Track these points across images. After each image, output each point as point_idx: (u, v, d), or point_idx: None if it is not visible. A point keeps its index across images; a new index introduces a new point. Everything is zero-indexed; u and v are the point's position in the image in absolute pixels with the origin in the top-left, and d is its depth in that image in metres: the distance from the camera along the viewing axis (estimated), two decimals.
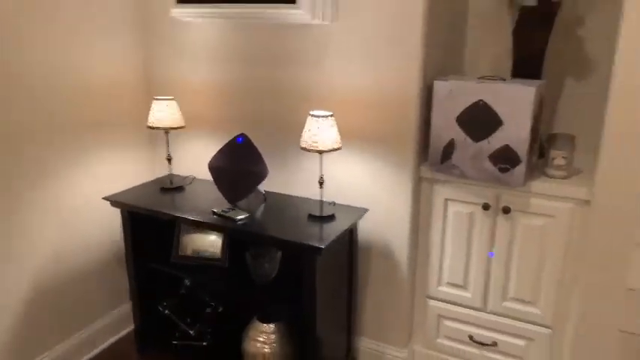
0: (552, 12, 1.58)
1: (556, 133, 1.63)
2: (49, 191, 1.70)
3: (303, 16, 1.54)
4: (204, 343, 1.91)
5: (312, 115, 1.51)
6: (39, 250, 1.69)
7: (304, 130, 1.53)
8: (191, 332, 1.90)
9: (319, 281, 1.54)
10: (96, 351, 1.96)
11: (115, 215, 1.84)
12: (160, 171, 2.03)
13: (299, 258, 1.53)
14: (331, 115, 1.52)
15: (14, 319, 1.65)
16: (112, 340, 2.02)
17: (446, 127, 1.54)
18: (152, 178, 2.00)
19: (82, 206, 1.82)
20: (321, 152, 1.52)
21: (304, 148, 1.53)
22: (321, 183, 1.60)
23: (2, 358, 1.63)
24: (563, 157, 1.52)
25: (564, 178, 1.52)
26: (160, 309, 1.92)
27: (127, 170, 1.97)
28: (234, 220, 1.59)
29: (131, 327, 2.00)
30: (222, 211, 1.64)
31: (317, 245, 1.44)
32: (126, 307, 2.04)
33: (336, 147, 1.53)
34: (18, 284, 1.65)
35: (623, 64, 1.27)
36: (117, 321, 2.03)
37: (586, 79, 1.67)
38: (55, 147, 1.69)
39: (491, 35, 1.75)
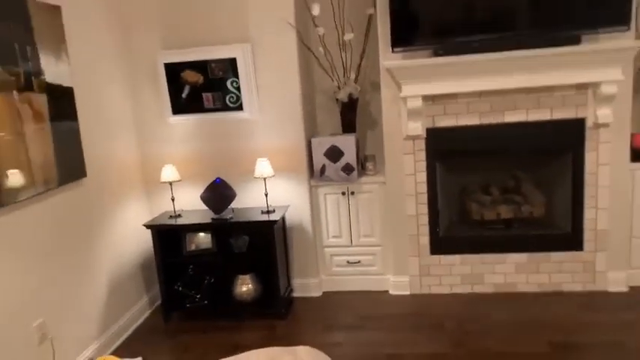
0: (355, 102, 3.45)
1: (367, 154, 3.48)
2: (115, 223, 2.99)
3: (245, 115, 3.17)
4: (206, 302, 3.28)
5: (259, 160, 3.11)
6: (107, 259, 2.96)
7: (255, 168, 3.12)
8: (197, 297, 3.27)
9: (275, 245, 3.10)
10: (145, 316, 3.21)
11: (143, 235, 3.17)
12: (156, 210, 3.40)
13: (260, 235, 3.09)
14: (266, 159, 3.14)
15: (102, 296, 2.88)
16: (150, 311, 3.28)
17: (319, 159, 3.28)
18: (150, 217, 3.36)
19: (125, 232, 3.12)
20: (265, 178, 3.12)
21: (257, 177, 3.11)
22: (266, 195, 3.19)
23: (100, 317, 2.85)
24: (371, 165, 3.36)
25: (374, 174, 3.35)
26: (176, 287, 3.26)
27: (138, 209, 3.31)
28: (225, 219, 3.08)
29: (159, 302, 3.29)
30: (213, 219, 3.12)
31: (272, 219, 3.03)
32: (154, 290, 3.32)
33: (271, 175, 3.14)
34: (99, 276, 2.90)
35: (386, 121, 3.16)
36: (152, 298, 3.30)
37: (373, 129, 3.57)
38: (112, 202, 3.01)
39: (328, 113, 3.57)
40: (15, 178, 2.24)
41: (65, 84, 2.62)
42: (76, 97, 2.71)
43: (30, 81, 2.38)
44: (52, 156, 2.50)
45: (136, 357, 2.58)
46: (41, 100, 2.45)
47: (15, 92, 2.28)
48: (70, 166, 2.63)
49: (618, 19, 2.74)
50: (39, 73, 2.44)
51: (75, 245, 2.67)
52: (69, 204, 2.64)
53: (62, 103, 2.60)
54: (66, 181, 2.60)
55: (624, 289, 3.16)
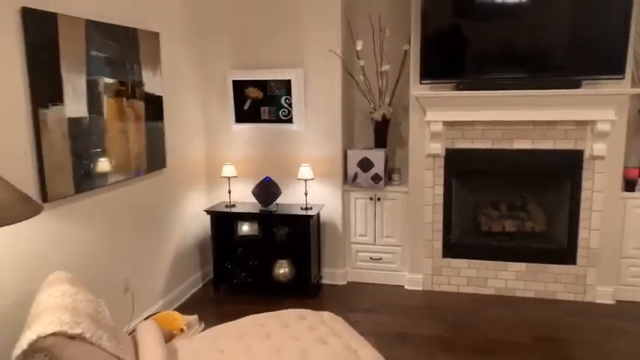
0: (387, 122, 4.03)
1: (394, 167, 4.06)
2: (183, 208, 3.69)
3: (294, 127, 3.83)
4: (249, 279, 3.93)
5: (302, 165, 3.75)
6: (175, 235, 3.66)
7: (299, 172, 3.76)
8: (242, 275, 3.92)
9: (310, 237, 3.72)
10: (198, 287, 3.89)
11: (203, 219, 3.86)
12: (214, 200, 4.09)
13: (298, 227, 3.72)
14: (308, 165, 3.77)
15: (168, 265, 3.57)
16: (202, 283, 3.96)
17: (353, 168, 3.88)
18: (209, 205, 4.04)
19: (189, 215, 3.81)
20: (306, 180, 3.75)
21: (299, 179, 3.75)
22: (306, 194, 3.81)
23: (166, 281, 3.53)
24: (397, 176, 3.94)
25: (398, 185, 3.93)
26: (226, 265, 3.92)
27: (201, 198, 4.01)
28: (271, 211, 3.73)
29: (211, 276, 3.96)
30: (260, 210, 3.77)
31: (309, 215, 3.66)
32: (207, 267, 4.01)
33: (311, 178, 3.77)
34: (168, 252, 3.59)
35: (412, 140, 3.74)
36: (204, 273, 3.99)
37: (401, 146, 4.14)
38: (182, 190, 3.71)
39: (364, 130, 4.18)
40: (116, 163, 2.96)
41: (157, 93, 3.34)
42: (164, 104, 3.42)
43: (134, 90, 3.10)
44: (144, 149, 3.21)
45: (192, 315, 3.24)
46: (141, 105, 3.17)
47: (124, 99, 3.01)
48: (155, 158, 3.34)
49: (614, 69, 3.24)
50: (140, 84, 3.16)
51: (153, 221, 3.37)
52: (151, 188, 3.35)
53: (154, 108, 3.32)
54: (152, 169, 3.31)
55: (611, 302, 3.61)
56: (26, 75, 2.33)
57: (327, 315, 2.69)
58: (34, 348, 1.70)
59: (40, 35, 2.38)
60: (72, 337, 1.79)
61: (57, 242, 2.54)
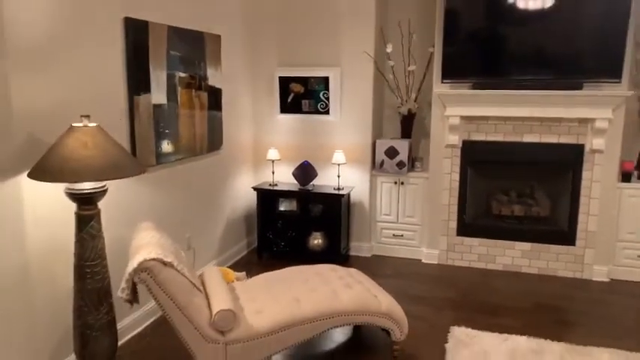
0: (413, 115, 4.59)
1: (417, 155, 4.60)
2: (234, 184, 4.35)
3: (330, 118, 4.43)
4: (288, 248, 4.55)
5: (337, 151, 4.35)
6: (227, 207, 4.32)
7: (333, 157, 4.35)
8: (282, 244, 4.55)
9: (341, 214, 4.31)
10: (244, 253, 4.55)
11: (250, 195, 4.51)
12: (260, 179, 4.73)
13: (331, 205, 4.32)
14: (341, 151, 4.36)
15: (222, 230, 4.24)
16: (247, 250, 4.62)
17: (380, 155, 4.45)
18: (255, 183, 4.68)
19: (239, 190, 4.47)
20: (339, 164, 4.35)
21: (334, 163, 4.35)
22: (338, 177, 4.41)
23: (219, 244, 4.20)
24: (419, 164, 4.49)
25: (420, 171, 4.48)
26: (268, 235, 4.56)
27: (249, 176, 4.66)
28: (308, 190, 4.35)
29: (255, 245, 4.62)
30: (299, 189, 4.38)
31: (341, 193, 4.26)
32: (251, 236, 4.67)
33: (343, 162, 4.36)
34: (221, 220, 4.25)
35: (433, 132, 4.29)
36: (249, 242, 4.64)
37: (424, 137, 4.69)
38: (234, 168, 4.37)
39: (391, 122, 4.74)
40: (185, 142, 3.63)
41: (217, 86, 3.99)
42: (223, 96, 4.07)
43: (201, 83, 3.76)
44: (205, 132, 3.87)
45: (241, 272, 3.89)
46: (205, 96, 3.83)
47: (193, 90, 3.67)
48: (214, 140, 3.99)
49: (612, 73, 3.71)
50: (205, 78, 3.82)
51: (211, 192, 4.04)
52: (211, 165, 4.01)
53: (215, 98, 3.97)
54: (211, 150, 3.97)
55: (606, 279, 4.08)
56: (125, 69, 3.01)
57: (353, 270, 3.29)
58: (140, 267, 2.36)
59: (136, 39, 3.05)
60: (165, 264, 2.45)
61: (141, 200, 3.22)
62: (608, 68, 3.72)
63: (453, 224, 4.36)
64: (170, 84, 3.40)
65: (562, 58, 3.81)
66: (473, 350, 2.97)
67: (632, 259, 4.04)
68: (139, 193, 3.18)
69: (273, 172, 4.57)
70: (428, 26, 4.39)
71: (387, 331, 2.87)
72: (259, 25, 4.54)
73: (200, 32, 3.71)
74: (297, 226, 4.59)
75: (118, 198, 2.98)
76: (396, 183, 4.48)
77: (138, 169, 2.47)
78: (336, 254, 4.36)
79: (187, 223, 3.74)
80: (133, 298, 2.47)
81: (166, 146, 3.39)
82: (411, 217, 4.50)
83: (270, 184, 4.56)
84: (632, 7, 3.61)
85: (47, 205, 2.51)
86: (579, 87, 3.81)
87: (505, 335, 3.14)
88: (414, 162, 4.55)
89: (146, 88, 3.16)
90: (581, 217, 4.06)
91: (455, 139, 4.20)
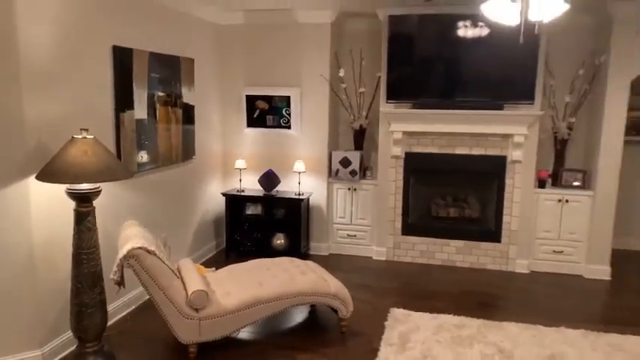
0: (364, 130, 5.22)
1: (367, 165, 5.23)
2: (205, 190, 4.87)
3: (292, 132, 5.02)
4: (253, 248, 5.08)
5: (297, 161, 4.93)
6: (199, 210, 4.83)
7: (294, 166, 4.93)
8: (248, 244, 5.08)
9: (301, 217, 4.88)
10: (213, 252, 5.06)
11: (219, 200, 5.04)
12: (228, 186, 5.26)
13: (292, 209, 4.89)
14: (301, 161, 4.94)
15: (193, 232, 4.74)
16: (216, 251, 5.12)
17: (335, 165, 5.05)
18: (224, 189, 5.21)
19: (209, 195, 4.99)
20: (299, 172, 4.93)
21: (295, 171, 4.93)
22: (299, 183, 4.99)
23: (191, 243, 4.69)
24: (369, 172, 5.12)
25: (370, 179, 5.10)
26: (235, 237, 5.08)
27: (218, 183, 5.19)
28: (272, 195, 4.90)
29: (223, 246, 5.13)
30: (264, 194, 4.94)
31: (301, 198, 4.83)
32: (220, 238, 5.18)
33: (303, 171, 4.94)
34: (194, 222, 4.76)
35: (381, 145, 4.93)
36: (218, 243, 5.15)
37: (374, 149, 5.32)
38: (205, 176, 4.89)
39: (345, 136, 5.36)
40: (162, 153, 4.14)
41: (191, 103, 4.53)
42: (195, 111, 4.61)
43: (176, 101, 4.29)
44: (180, 144, 4.39)
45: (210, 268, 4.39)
46: (180, 112, 4.35)
47: (170, 107, 4.20)
48: (188, 151, 4.51)
49: (526, 96, 4.44)
50: (180, 96, 4.35)
51: (184, 197, 4.55)
52: (185, 172, 4.53)
53: (188, 114, 4.50)
54: (185, 159, 4.49)
55: (526, 271, 4.78)
56: (113, 89, 3.52)
57: (310, 262, 3.86)
58: (129, 254, 2.87)
59: (122, 63, 3.57)
60: (149, 252, 2.96)
61: (125, 203, 3.71)
62: (523, 92, 4.45)
63: (399, 225, 4.99)
64: (150, 102, 3.92)
65: (486, 84, 4.52)
66: (407, 326, 3.57)
67: (548, 254, 4.75)
68: (123, 197, 3.67)
69: (240, 180, 5.12)
70: (377, 53, 5.05)
71: (335, 311, 3.45)
72: (228, 49, 5.11)
73: (176, 56, 4.26)
74: (261, 228, 5.13)
75: (107, 200, 3.46)
76: (349, 189, 5.09)
77: (127, 174, 2.99)
78: (297, 253, 4.91)
79: (164, 224, 4.23)
80: (122, 282, 2.96)
81: (146, 156, 3.90)
82: (363, 219, 5.11)
83: (237, 190, 5.09)
84: (540, 40, 4.36)
85: (49, 203, 2.99)
86: (501, 107, 4.53)
87: (435, 314, 3.76)
88: (365, 171, 5.18)
89: (130, 106, 3.68)
90: (505, 218, 4.75)
91: (398, 150, 4.85)
